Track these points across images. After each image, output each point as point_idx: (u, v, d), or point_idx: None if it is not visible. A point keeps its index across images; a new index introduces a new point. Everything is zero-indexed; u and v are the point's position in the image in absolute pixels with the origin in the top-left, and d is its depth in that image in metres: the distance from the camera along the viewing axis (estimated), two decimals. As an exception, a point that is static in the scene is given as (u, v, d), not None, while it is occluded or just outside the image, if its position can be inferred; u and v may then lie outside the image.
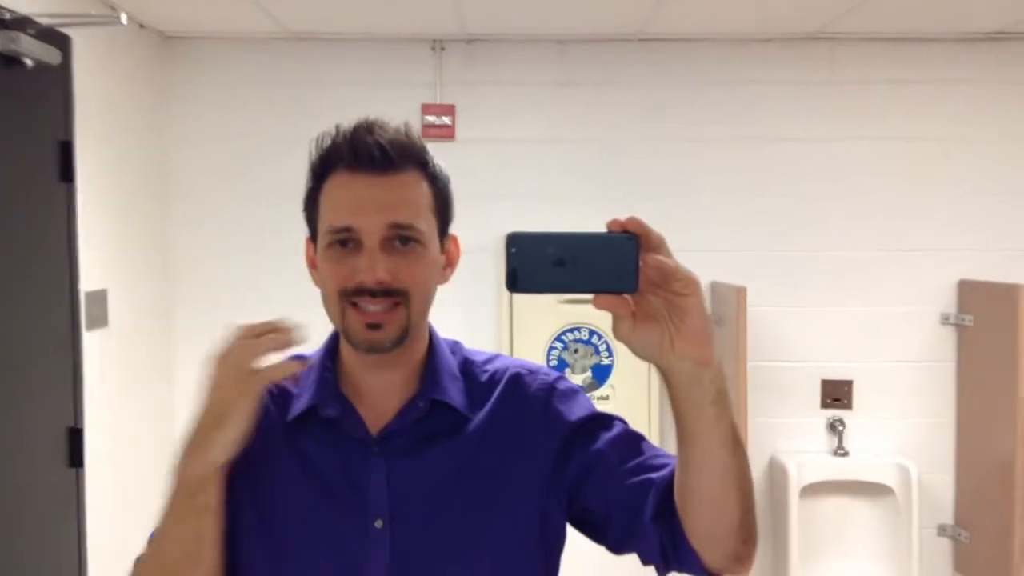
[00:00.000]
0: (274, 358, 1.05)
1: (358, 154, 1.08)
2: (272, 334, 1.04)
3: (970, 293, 3.38)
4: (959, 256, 3.43)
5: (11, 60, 2.27)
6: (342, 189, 1.10)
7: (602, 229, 0.89)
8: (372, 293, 1.07)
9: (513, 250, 0.88)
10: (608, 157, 3.46)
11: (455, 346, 1.23)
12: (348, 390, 1.16)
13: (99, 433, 2.73)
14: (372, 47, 3.42)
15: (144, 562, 1.11)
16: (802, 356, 3.47)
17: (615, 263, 0.88)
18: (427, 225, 1.12)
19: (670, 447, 1.10)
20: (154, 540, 1.10)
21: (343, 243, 1.09)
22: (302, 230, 1.17)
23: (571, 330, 3.39)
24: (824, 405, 3.48)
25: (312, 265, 1.16)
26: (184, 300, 3.46)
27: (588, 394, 1.35)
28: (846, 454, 3.42)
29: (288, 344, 1.04)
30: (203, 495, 1.05)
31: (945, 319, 3.44)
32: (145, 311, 3.24)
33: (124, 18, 2.51)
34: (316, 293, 1.14)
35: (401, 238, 1.09)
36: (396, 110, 1.13)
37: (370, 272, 1.07)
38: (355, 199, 1.09)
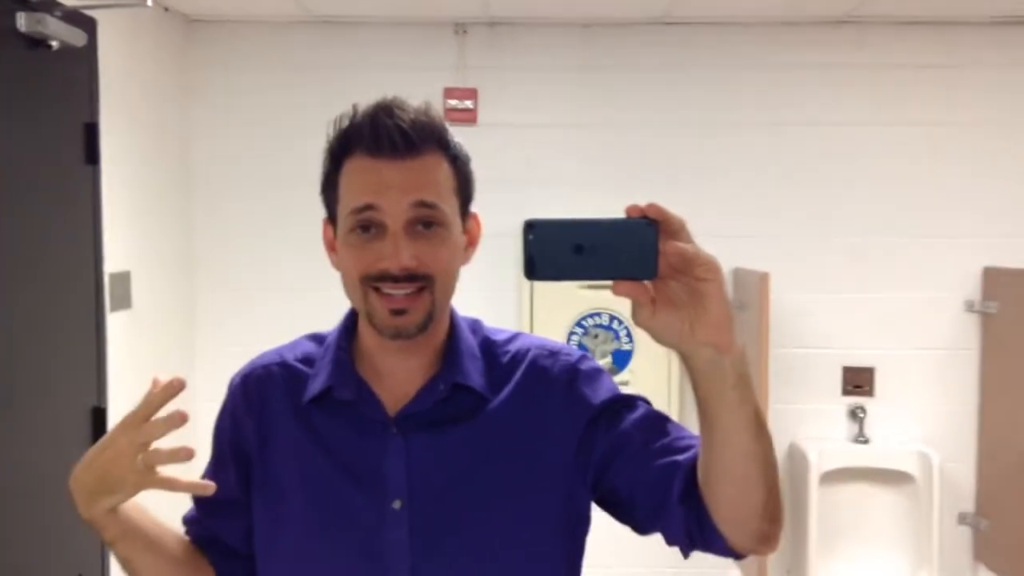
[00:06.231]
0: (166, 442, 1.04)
1: (379, 139, 1.06)
2: (161, 422, 1.04)
3: (995, 280, 3.34)
4: (984, 243, 3.39)
5: (37, 42, 2.27)
6: (363, 172, 1.08)
7: (622, 215, 0.88)
8: (395, 279, 1.06)
9: (531, 237, 0.87)
10: (631, 142, 3.44)
11: (475, 325, 1.23)
12: (365, 371, 1.16)
13: (122, 413, 2.75)
14: (395, 30, 3.41)
15: None
16: (824, 343, 3.45)
17: (634, 249, 0.86)
18: (450, 207, 1.10)
19: (691, 430, 1.10)
20: None
21: (365, 228, 1.07)
22: (323, 214, 1.17)
23: (591, 315, 3.39)
24: (845, 392, 3.46)
25: (331, 248, 1.15)
26: (206, 282, 3.48)
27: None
28: (867, 441, 3.40)
29: (173, 427, 1.02)
30: (107, 533, 1.09)
31: (969, 306, 3.40)
32: (168, 293, 3.27)
33: (149, 0, 2.52)
34: (335, 276, 1.14)
35: (424, 222, 1.07)
36: (418, 93, 1.12)
37: (395, 258, 1.05)
38: (377, 181, 1.07)
